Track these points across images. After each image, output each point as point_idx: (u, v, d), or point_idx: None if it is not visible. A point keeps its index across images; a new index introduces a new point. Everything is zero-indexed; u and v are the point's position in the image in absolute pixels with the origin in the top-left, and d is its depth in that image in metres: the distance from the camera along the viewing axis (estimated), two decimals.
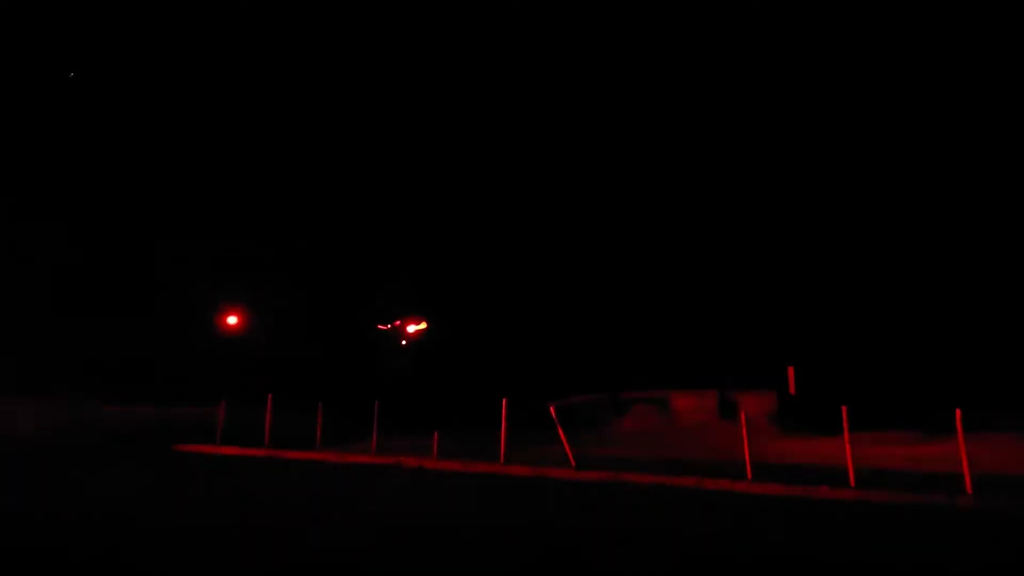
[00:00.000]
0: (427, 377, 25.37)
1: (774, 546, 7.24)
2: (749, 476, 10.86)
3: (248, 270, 30.34)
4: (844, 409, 10.89)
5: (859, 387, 16.74)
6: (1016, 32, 24.03)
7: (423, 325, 27.20)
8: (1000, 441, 12.95)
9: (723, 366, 20.64)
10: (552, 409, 13.32)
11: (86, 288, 30.14)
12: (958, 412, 9.95)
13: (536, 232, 29.40)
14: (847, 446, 10.47)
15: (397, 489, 11.10)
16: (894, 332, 22.00)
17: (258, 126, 33.13)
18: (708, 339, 23.55)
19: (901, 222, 24.87)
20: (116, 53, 33.06)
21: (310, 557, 6.57)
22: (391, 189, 31.91)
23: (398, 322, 27.36)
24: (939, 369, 18.51)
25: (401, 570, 6.23)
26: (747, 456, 11.08)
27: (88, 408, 20.77)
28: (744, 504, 9.54)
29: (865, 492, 9.81)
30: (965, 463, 9.58)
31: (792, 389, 19.02)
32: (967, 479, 9.50)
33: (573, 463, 12.37)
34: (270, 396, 16.30)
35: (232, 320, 16.84)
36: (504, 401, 13.39)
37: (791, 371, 19.19)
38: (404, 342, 27.43)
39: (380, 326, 27.64)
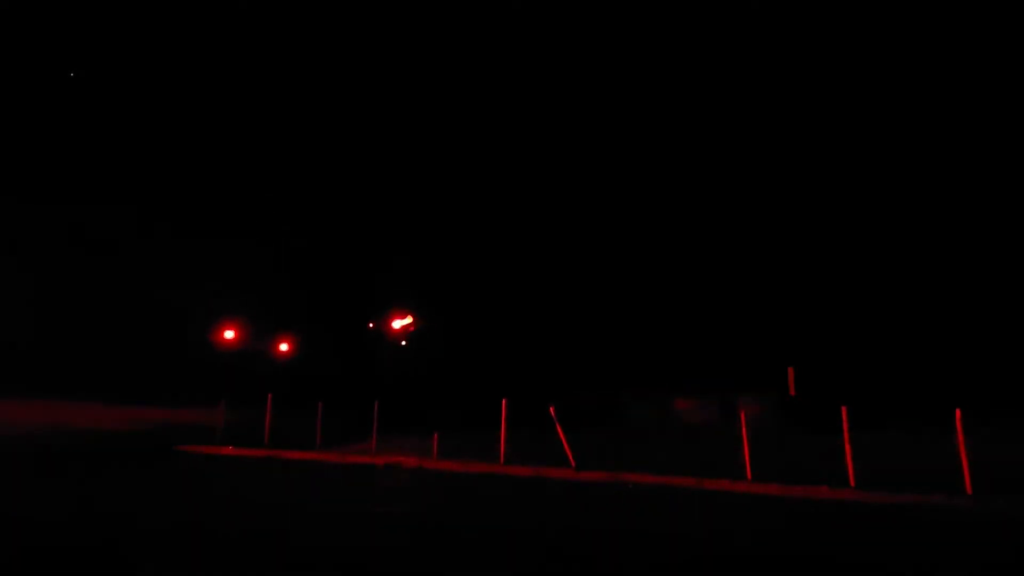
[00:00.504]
0: (427, 377, 25.37)
1: (774, 546, 7.24)
2: (749, 476, 10.86)
3: (248, 270, 30.34)
4: (844, 409, 10.89)
5: (859, 387, 16.76)
6: (1016, 32, 24.03)
7: (408, 320, 27.16)
8: (1000, 441, 12.95)
9: (723, 366, 20.65)
10: (552, 409, 13.33)
11: (87, 289, 30.13)
12: (958, 412, 9.95)
13: (538, 236, 29.40)
14: (847, 446, 10.47)
15: (397, 489, 11.10)
16: (893, 333, 22.01)
17: (257, 126, 33.11)
18: (709, 340, 23.56)
19: (900, 225, 24.87)
20: (115, 55, 33.06)
21: (310, 557, 6.57)
22: (392, 189, 31.90)
23: (389, 320, 27.37)
24: (939, 369, 18.52)
25: (401, 570, 6.23)
26: (747, 456, 11.08)
27: (89, 408, 20.77)
28: (744, 504, 9.53)
29: (865, 492, 9.81)
30: (965, 463, 9.58)
31: (792, 389, 19.02)
32: (967, 479, 9.50)
33: (573, 463, 12.37)
34: (270, 396, 16.29)
35: (229, 335, 16.86)
36: (504, 401, 13.39)
37: (791, 372, 19.19)
38: (402, 342, 27.42)
39: (370, 324, 27.66)
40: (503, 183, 30.30)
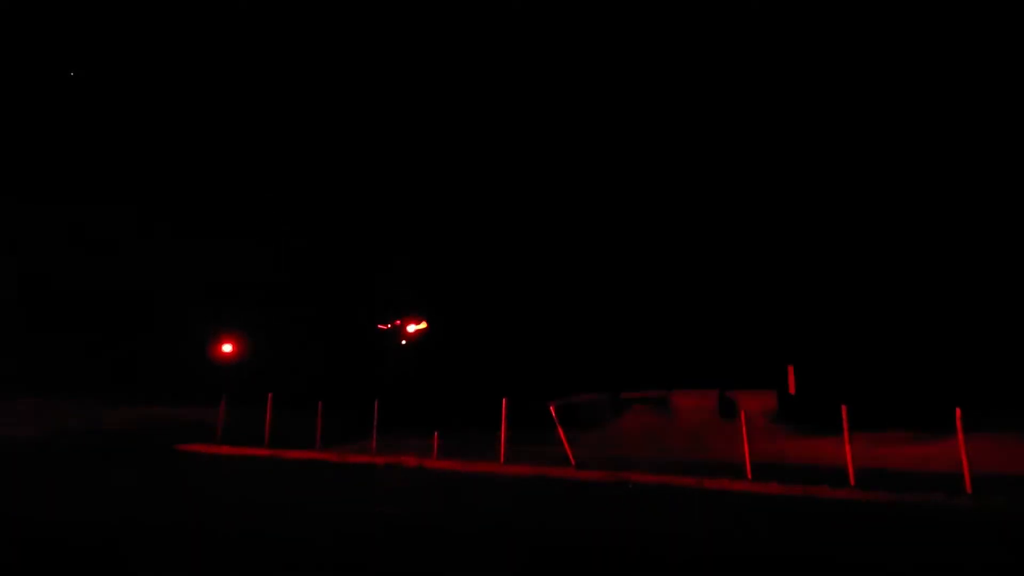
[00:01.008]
0: (427, 377, 25.37)
1: (774, 546, 7.25)
2: (749, 476, 10.87)
3: (248, 269, 30.35)
4: (844, 408, 10.89)
5: (859, 386, 16.76)
6: (1016, 32, 24.02)
7: (423, 325, 27.18)
8: (1000, 441, 12.95)
9: (723, 366, 20.63)
10: (552, 409, 13.33)
11: (87, 290, 30.15)
12: (958, 411, 9.95)
13: (536, 233, 29.40)
14: (847, 445, 10.47)
15: (397, 489, 11.11)
16: (894, 332, 22.01)
17: (257, 125, 33.12)
18: (708, 339, 23.56)
19: (900, 222, 24.87)
20: (114, 57, 33.06)
21: (311, 557, 6.58)
22: (392, 189, 31.91)
23: (398, 322, 27.35)
24: (939, 368, 18.52)
25: (401, 570, 6.24)
26: (747, 456, 11.08)
27: (89, 408, 20.80)
28: (744, 504, 9.55)
29: (865, 492, 9.81)
30: (965, 462, 9.58)
31: (792, 389, 19.01)
32: (967, 479, 9.50)
33: (573, 462, 12.38)
34: (270, 396, 16.29)
35: (227, 348, 16.83)
36: (504, 401, 13.40)
37: (791, 371, 19.18)
38: (404, 342, 27.42)
39: (380, 326, 27.62)
40: (503, 182, 30.31)
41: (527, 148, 30.98)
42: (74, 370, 26.07)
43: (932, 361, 19.31)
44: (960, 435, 9.82)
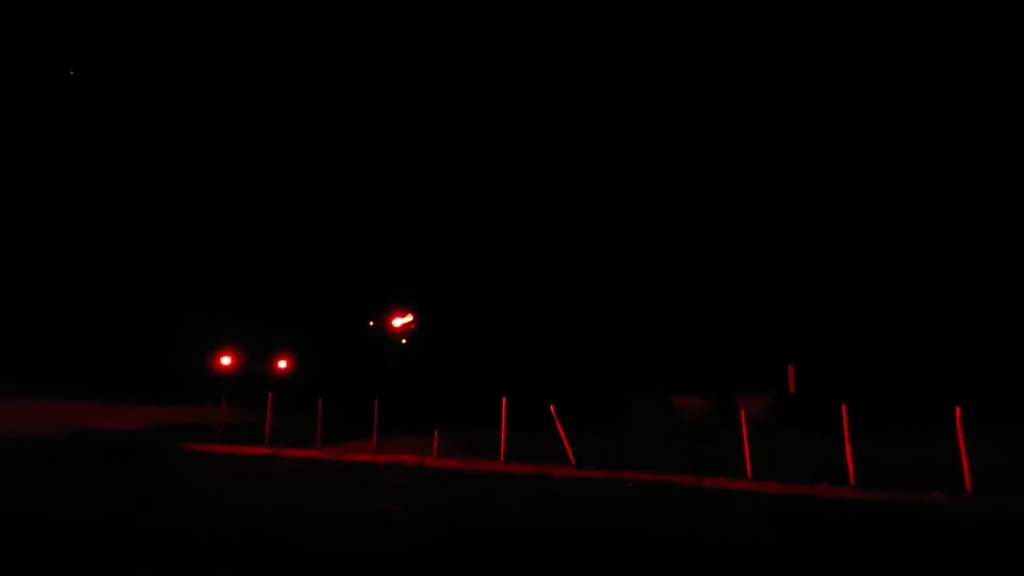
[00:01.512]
0: (428, 376, 25.37)
1: (774, 545, 7.25)
2: (749, 475, 10.87)
3: (249, 269, 30.35)
4: (844, 408, 10.89)
5: (859, 386, 16.75)
6: (1016, 32, 24.01)
7: (409, 318, 27.14)
8: (1000, 439, 12.96)
9: (723, 365, 20.63)
10: (552, 408, 13.33)
11: (87, 288, 30.14)
12: (958, 410, 9.95)
13: (537, 234, 29.40)
14: (847, 445, 10.48)
15: (398, 488, 11.11)
16: (894, 331, 22.00)
17: (257, 125, 33.11)
18: (708, 338, 23.55)
19: (900, 224, 24.87)
20: (114, 57, 33.04)
21: (311, 556, 6.58)
22: (394, 190, 31.91)
23: (385, 316, 27.36)
24: (938, 368, 18.52)
25: (401, 569, 6.24)
26: (747, 455, 11.09)
27: (89, 407, 20.80)
28: (744, 502, 9.55)
29: (865, 490, 9.82)
30: (965, 461, 9.59)
31: (792, 388, 19.02)
32: (967, 477, 9.51)
33: (573, 461, 12.38)
34: (270, 395, 16.30)
35: (226, 360, 16.89)
36: (504, 400, 13.40)
37: (791, 370, 19.19)
38: (404, 341, 27.41)
39: (370, 322, 27.65)
40: (502, 181, 30.30)
41: (528, 148, 30.98)
42: (75, 369, 26.07)
43: (932, 360, 19.31)
44: (960, 434, 9.82)
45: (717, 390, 19.05)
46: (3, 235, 30.11)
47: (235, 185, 32.16)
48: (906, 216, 24.62)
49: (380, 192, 31.54)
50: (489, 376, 21.05)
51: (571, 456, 12.50)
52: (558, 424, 12.99)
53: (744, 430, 11.47)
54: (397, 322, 26.91)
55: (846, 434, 10.60)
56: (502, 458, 12.96)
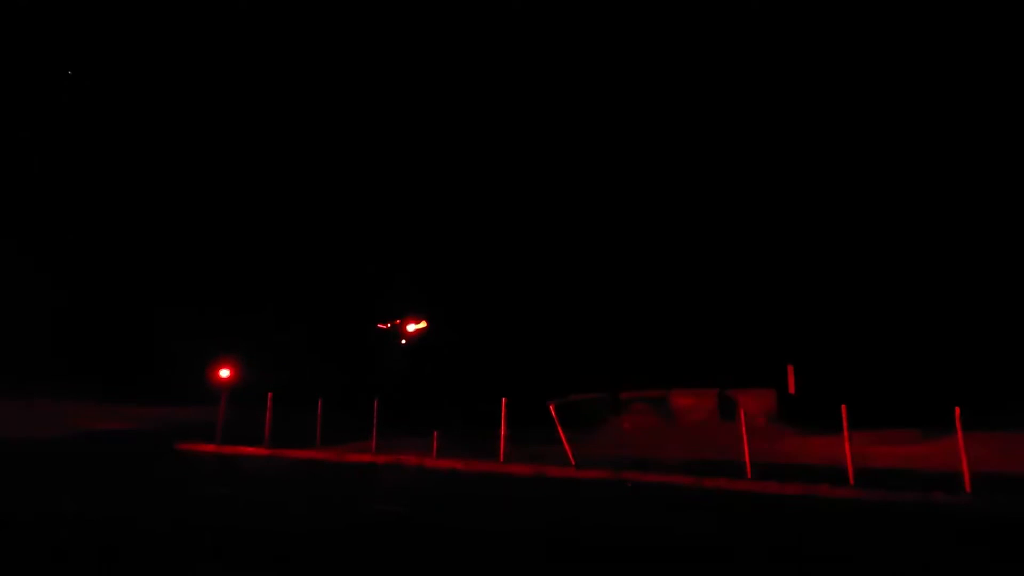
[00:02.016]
0: (427, 376, 25.36)
1: (773, 544, 7.25)
2: (749, 475, 10.86)
3: (250, 269, 30.36)
4: (844, 408, 10.89)
5: (858, 386, 16.73)
6: (1016, 32, 24.02)
7: (423, 324, 27.12)
8: (1000, 440, 12.94)
9: (723, 365, 20.60)
10: (552, 408, 13.32)
11: (86, 288, 30.16)
12: (957, 410, 9.95)
13: (536, 233, 29.39)
14: (846, 444, 10.47)
15: (397, 488, 11.11)
16: (893, 331, 22.00)
17: (258, 125, 33.12)
18: (707, 338, 23.54)
19: (900, 221, 24.87)
20: (113, 58, 33.07)
21: (311, 556, 6.58)
22: (395, 191, 31.92)
23: (398, 321, 27.32)
24: (938, 368, 18.51)
25: (401, 569, 6.24)
26: (747, 455, 11.08)
27: (88, 407, 20.82)
28: (743, 502, 9.55)
29: (864, 491, 9.81)
30: (964, 462, 9.58)
31: (792, 388, 19.00)
32: (966, 478, 9.50)
33: (573, 462, 12.38)
34: (270, 395, 16.27)
35: (225, 373, 16.87)
36: (504, 400, 13.39)
37: (791, 370, 19.17)
38: (404, 341, 27.40)
39: (380, 325, 27.58)
40: (504, 183, 30.31)
41: (527, 149, 30.99)
42: (74, 369, 26.09)
43: (932, 360, 19.30)
44: (959, 434, 9.81)
45: (717, 390, 19.02)
46: (3, 235, 30.15)
47: (237, 186, 32.20)
48: (906, 216, 24.62)
49: (384, 195, 31.57)
50: (489, 376, 21.04)
51: (570, 456, 12.50)
52: (558, 424, 12.98)
53: (744, 430, 11.46)
54: (411, 327, 26.87)
55: (845, 434, 10.59)
56: (502, 458, 12.96)
